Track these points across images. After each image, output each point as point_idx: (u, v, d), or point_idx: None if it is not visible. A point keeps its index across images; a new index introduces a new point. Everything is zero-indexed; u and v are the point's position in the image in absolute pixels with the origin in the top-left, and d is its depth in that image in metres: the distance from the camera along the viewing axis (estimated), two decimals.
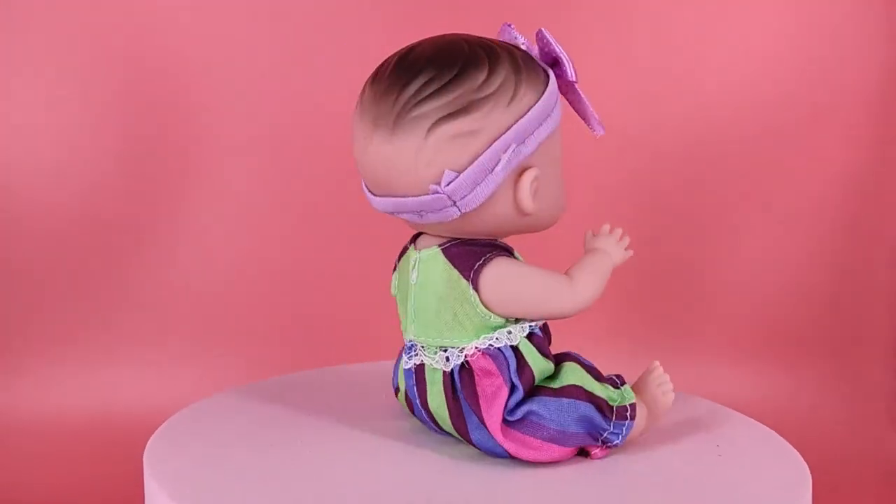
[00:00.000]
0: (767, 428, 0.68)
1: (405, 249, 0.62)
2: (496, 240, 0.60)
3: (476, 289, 0.57)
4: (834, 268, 1.28)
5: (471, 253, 0.58)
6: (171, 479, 0.56)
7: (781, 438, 0.66)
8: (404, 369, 0.61)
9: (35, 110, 1.22)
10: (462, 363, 0.58)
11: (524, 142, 0.57)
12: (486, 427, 0.58)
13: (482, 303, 0.57)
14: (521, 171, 0.58)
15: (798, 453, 0.63)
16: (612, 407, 0.59)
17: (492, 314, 0.58)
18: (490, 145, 0.56)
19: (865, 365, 1.25)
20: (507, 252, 0.60)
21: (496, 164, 0.56)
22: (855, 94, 1.26)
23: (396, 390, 0.66)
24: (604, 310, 1.23)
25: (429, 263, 0.59)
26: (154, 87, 1.23)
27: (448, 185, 0.55)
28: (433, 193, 0.56)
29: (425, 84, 0.55)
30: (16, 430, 1.14)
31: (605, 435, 0.59)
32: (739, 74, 1.27)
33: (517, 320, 0.59)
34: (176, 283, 1.24)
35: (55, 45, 1.21)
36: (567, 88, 0.61)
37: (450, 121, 0.55)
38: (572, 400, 0.58)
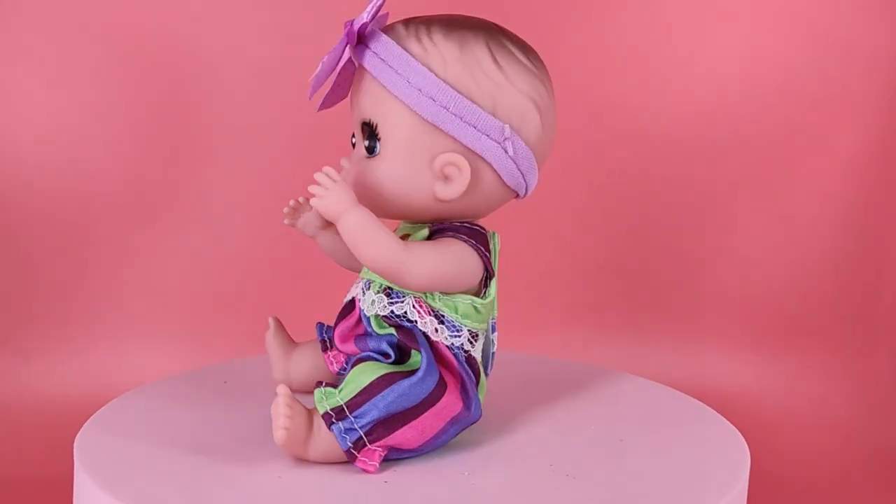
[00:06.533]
0: (712, 410, 0.68)
1: (487, 240, 0.60)
2: None
3: None
4: (839, 257, 1.25)
5: None
6: (102, 467, 0.56)
7: (722, 418, 0.66)
8: (494, 352, 0.63)
9: (40, 92, 1.20)
10: None
11: None
12: None
13: None
14: None
15: (740, 434, 0.63)
16: None
17: None
18: None
19: (871, 355, 1.23)
20: None
21: None
22: (862, 79, 1.23)
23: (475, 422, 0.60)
24: (602, 298, 1.24)
25: None
26: (163, 66, 1.21)
27: None
28: None
29: None
30: (16, 413, 1.13)
31: None
32: (744, 60, 1.24)
33: None
34: (177, 270, 1.23)
35: (57, 29, 1.19)
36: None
37: None
38: None
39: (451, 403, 0.56)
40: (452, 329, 0.57)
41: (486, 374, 0.62)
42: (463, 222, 0.59)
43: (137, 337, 1.22)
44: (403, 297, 0.58)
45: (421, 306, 0.57)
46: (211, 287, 1.23)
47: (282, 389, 0.54)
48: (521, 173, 0.58)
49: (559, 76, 0.62)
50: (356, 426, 0.54)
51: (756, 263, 1.26)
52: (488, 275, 0.59)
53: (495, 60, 0.57)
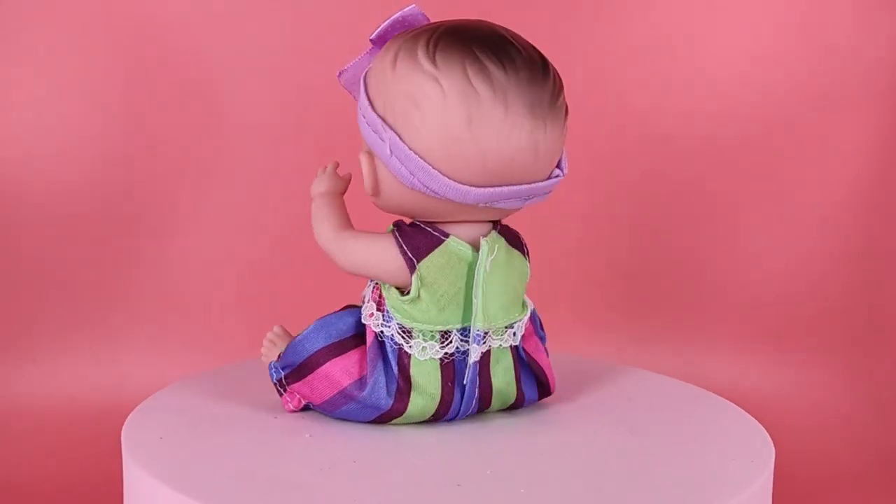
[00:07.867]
0: (734, 405, 0.69)
1: (432, 243, 0.60)
2: None
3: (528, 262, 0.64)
4: (843, 258, 1.25)
5: (514, 232, 0.63)
6: (149, 455, 0.57)
7: (746, 413, 0.67)
8: (472, 363, 0.60)
9: (40, 97, 1.20)
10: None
11: None
12: (546, 377, 0.65)
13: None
14: None
15: (763, 428, 0.64)
16: None
17: None
18: None
19: (876, 356, 1.23)
20: None
21: None
22: (865, 80, 1.24)
23: (391, 414, 0.61)
24: (606, 298, 1.26)
25: (498, 249, 0.61)
26: (168, 69, 1.22)
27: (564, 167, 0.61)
28: (556, 177, 0.60)
29: (555, 72, 0.59)
30: (24, 416, 1.14)
31: None
32: (746, 60, 1.25)
33: None
34: (185, 273, 1.24)
35: (57, 30, 1.19)
36: None
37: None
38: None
39: (334, 374, 0.61)
40: (386, 318, 0.60)
41: (462, 384, 0.61)
42: (422, 222, 0.61)
43: (144, 340, 1.22)
44: (371, 280, 0.62)
45: (374, 291, 0.62)
46: (219, 290, 1.24)
47: (276, 328, 0.67)
48: (412, 174, 0.57)
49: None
50: (279, 367, 0.63)
51: (760, 264, 1.26)
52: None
53: (393, 61, 0.58)
